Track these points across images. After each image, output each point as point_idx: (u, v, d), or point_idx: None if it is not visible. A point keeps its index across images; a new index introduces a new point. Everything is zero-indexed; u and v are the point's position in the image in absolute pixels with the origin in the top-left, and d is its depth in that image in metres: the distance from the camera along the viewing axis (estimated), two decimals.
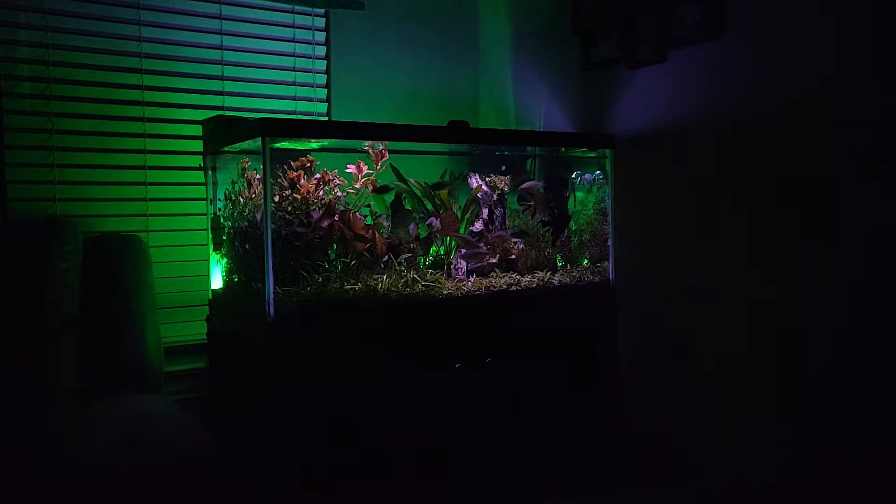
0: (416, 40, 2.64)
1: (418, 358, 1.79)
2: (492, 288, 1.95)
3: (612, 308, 2.17)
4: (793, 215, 1.74)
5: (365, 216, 1.93)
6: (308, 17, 2.47)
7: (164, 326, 2.12)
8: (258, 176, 1.79)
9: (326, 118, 2.49)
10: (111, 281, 1.97)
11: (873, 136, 1.59)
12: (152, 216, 2.21)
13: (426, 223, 1.98)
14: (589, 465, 2.11)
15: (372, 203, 2.02)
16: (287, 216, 1.76)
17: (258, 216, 1.72)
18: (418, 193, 2.09)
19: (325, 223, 1.78)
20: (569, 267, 2.19)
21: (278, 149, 1.82)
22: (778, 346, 1.79)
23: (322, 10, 2.46)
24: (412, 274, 1.86)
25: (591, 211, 2.26)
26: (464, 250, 1.99)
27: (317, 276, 1.74)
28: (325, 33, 2.49)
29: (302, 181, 1.81)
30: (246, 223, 1.81)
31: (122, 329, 1.95)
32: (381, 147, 1.93)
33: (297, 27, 2.45)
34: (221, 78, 2.32)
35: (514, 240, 2.17)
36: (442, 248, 2.06)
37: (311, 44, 2.47)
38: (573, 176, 2.32)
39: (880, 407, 1.59)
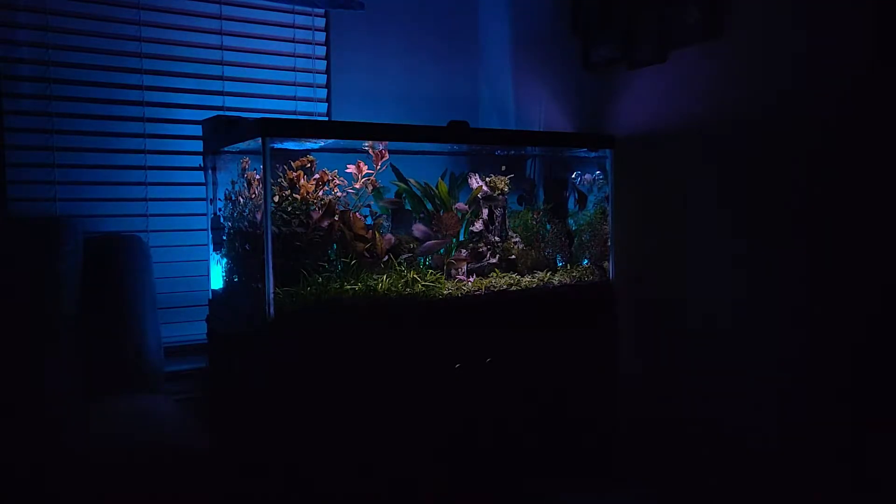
0: (416, 40, 2.64)
1: (418, 358, 1.79)
2: (492, 288, 1.95)
3: (612, 308, 2.17)
4: (794, 214, 1.74)
5: (365, 216, 1.93)
6: (308, 17, 2.46)
7: (164, 326, 2.12)
8: (258, 176, 1.79)
9: (326, 118, 2.49)
10: (111, 281, 1.97)
11: (871, 135, 1.59)
12: (152, 216, 2.20)
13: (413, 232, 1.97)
14: (589, 465, 2.11)
15: (372, 203, 2.02)
16: (287, 216, 1.76)
17: (258, 216, 1.72)
18: (418, 193, 2.09)
19: (325, 223, 1.78)
20: (569, 267, 2.19)
21: (278, 149, 1.82)
22: (779, 344, 1.79)
23: (322, 10, 2.46)
24: (412, 274, 1.86)
25: (591, 211, 2.26)
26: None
27: (317, 276, 1.74)
28: (325, 33, 2.49)
29: (302, 181, 1.81)
30: (246, 223, 1.81)
31: (122, 329, 1.95)
32: (381, 147, 1.93)
33: (297, 27, 2.45)
34: (221, 78, 2.32)
35: (514, 240, 2.17)
36: (441, 249, 2.05)
37: (311, 44, 2.47)
38: (573, 176, 2.32)
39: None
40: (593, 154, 2.25)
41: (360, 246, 1.82)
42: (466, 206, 2.11)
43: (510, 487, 1.95)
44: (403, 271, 1.87)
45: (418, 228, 1.98)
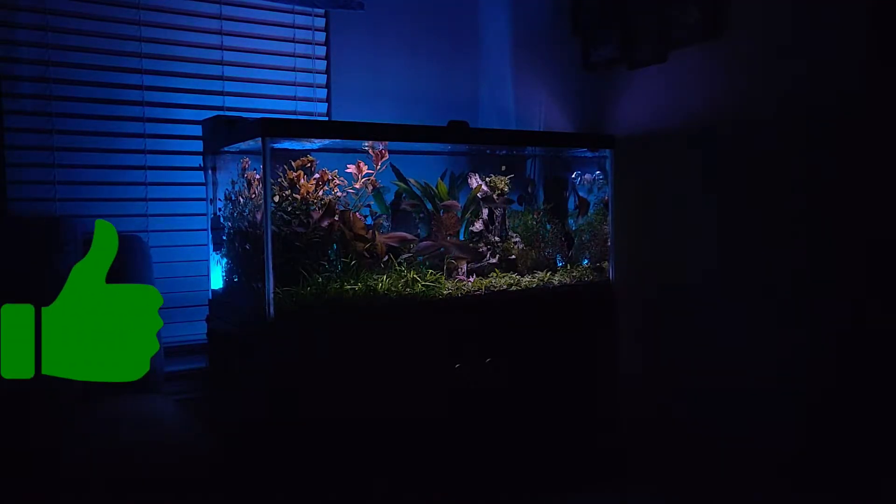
0: (416, 40, 2.64)
1: (418, 358, 1.79)
2: (492, 288, 1.95)
3: (612, 308, 2.17)
4: (794, 214, 1.74)
5: (365, 216, 1.93)
6: (308, 17, 2.46)
7: (165, 326, 2.11)
8: (258, 176, 1.79)
9: (326, 118, 2.49)
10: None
11: (869, 135, 1.59)
12: (152, 216, 2.20)
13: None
14: (589, 466, 2.11)
15: (372, 203, 2.02)
16: (287, 216, 1.76)
17: (258, 216, 1.72)
18: (418, 193, 2.09)
19: (325, 223, 1.78)
20: (569, 267, 2.19)
21: (278, 149, 1.82)
22: (779, 344, 1.79)
23: (322, 10, 2.46)
24: (412, 274, 1.86)
25: (591, 211, 2.26)
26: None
27: (317, 276, 1.74)
28: (325, 33, 2.49)
29: (302, 181, 1.81)
30: (246, 223, 1.81)
31: None
32: (381, 147, 1.93)
33: (297, 27, 2.45)
34: (221, 78, 2.31)
35: (514, 240, 2.17)
36: (441, 248, 2.05)
37: (311, 44, 2.47)
38: (573, 176, 2.32)
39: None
40: (593, 154, 2.25)
41: (360, 246, 1.82)
42: (457, 204, 2.10)
43: (510, 488, 1.95)
44: (403, 271, 1.87)
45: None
